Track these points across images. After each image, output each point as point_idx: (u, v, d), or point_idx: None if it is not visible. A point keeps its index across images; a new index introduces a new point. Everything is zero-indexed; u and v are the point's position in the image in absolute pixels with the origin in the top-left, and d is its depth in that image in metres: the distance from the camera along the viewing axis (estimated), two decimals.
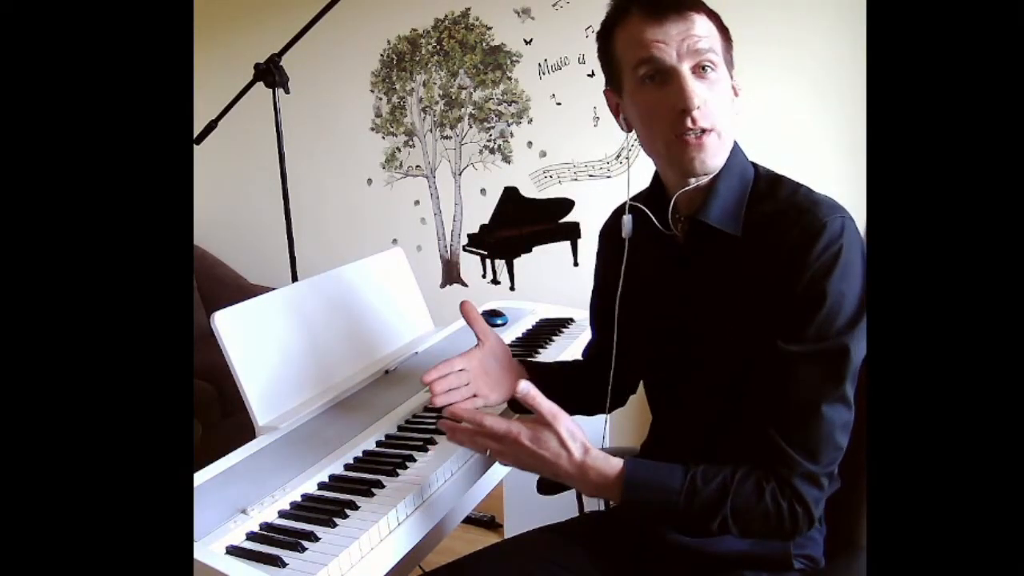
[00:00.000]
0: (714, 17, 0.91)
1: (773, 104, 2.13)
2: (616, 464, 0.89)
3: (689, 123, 0.87)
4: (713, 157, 0.90)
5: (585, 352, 1.26)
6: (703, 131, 0.87)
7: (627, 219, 1.00)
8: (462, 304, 1.11)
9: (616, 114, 0.98)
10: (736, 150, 0.95)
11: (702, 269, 0.95)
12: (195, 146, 1.64)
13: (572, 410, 1.08)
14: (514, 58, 2.48)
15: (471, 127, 2.59)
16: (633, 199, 1.02)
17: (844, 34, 2.03)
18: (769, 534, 0.87)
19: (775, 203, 0.91)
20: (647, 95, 0.90)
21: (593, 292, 1.20)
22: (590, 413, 1.16)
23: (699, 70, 0.87)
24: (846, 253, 0.84)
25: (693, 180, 0.92)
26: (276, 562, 0.87)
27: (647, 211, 0.98)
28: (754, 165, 0.97)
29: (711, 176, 0.92)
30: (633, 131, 0.97)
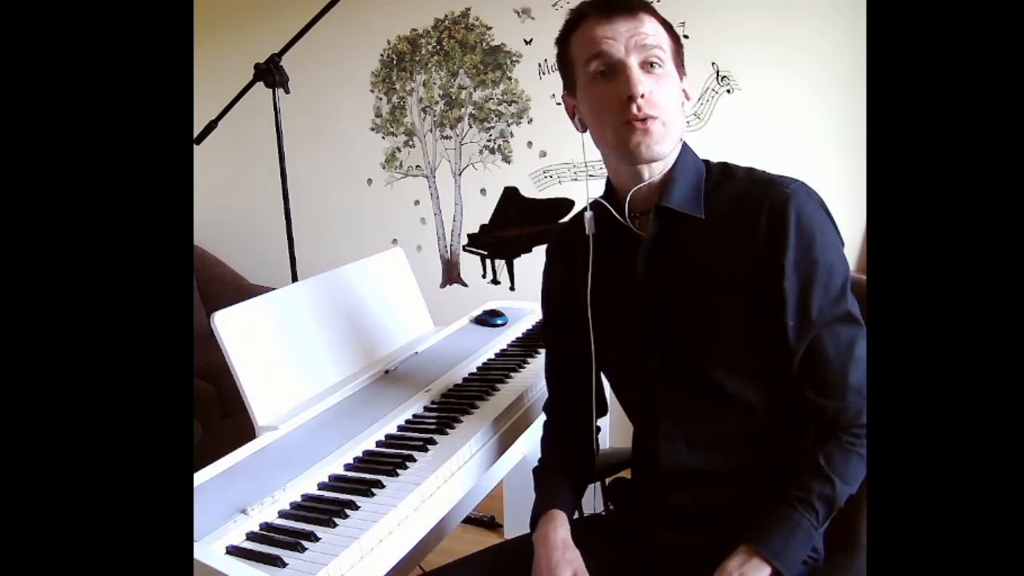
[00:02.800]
0: (664, 22, 0.97)
1: (773, 103, 2.13)
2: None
3: (635, 110, 0.92)
4: (658, 143, 0.94)
5: (547, 406, 1.19)
6: (649, 117, 0.92)
7: (589, 215, 1.03)
8: None
9: (572, 115, 1.03)
10: (686, 148, 1.00)
11: (672, 257, 0.97)
12: (195, 146, 1.64)
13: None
14: (514, 58, 2.47)
15: (471, 127, 2.59)
16: (591, 204, 1.05)
17: (844, 33, 2.03)
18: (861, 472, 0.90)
19: (733, 183, 0.97)
20: (598, 88, 0.95)
21: (547, 317, 1.18)
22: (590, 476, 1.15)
23: (646, 65, 0.93)
24: (815, 217, 0.91)
25: (645, 173, 0.97)
26: (276, 562, 0.87)
27: (609, 207, 1.01)
28: (704, 160, 1.02)
29: (661, 167, 0.97)
30: (587, 132, 1.01)
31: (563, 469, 1.11)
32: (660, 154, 0.95)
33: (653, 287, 0.99)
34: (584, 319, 1.05)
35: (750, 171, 0.98)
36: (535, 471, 1.13)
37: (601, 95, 0.95)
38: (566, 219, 1.15)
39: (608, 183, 1.05)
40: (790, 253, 0.89)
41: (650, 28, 0.93)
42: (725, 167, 1.00)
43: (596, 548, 1.05)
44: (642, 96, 0.91)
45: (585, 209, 1.05)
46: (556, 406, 1.17)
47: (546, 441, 1.17)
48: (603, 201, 1.03)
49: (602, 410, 1.12)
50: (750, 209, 0.92)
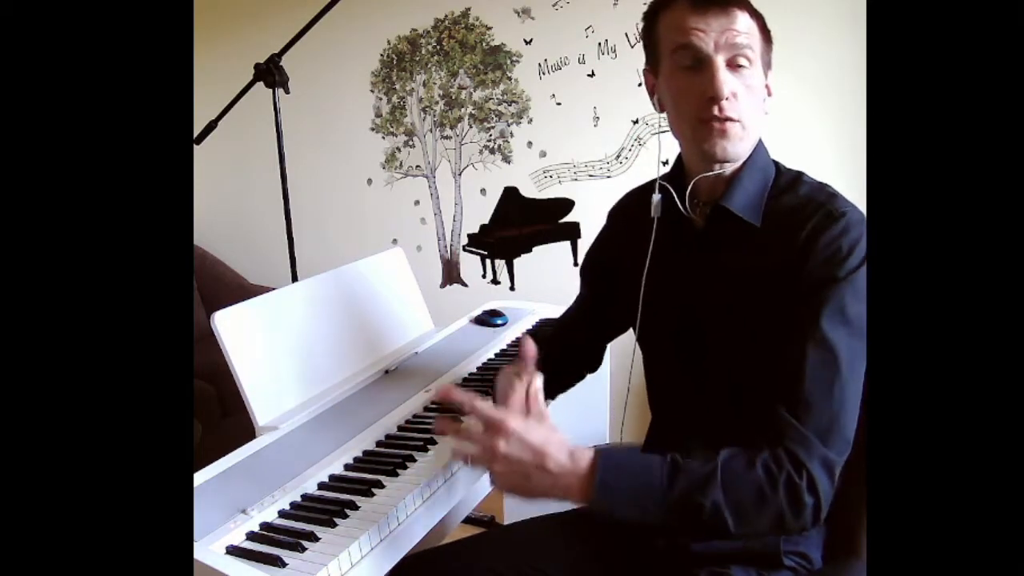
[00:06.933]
0: (757, 17, 0.93)
1: (773, 103, 2.12)
2: (589, 450, 0.84)
3: (716, 111, 0.89)
4: (735, 145, 0.92)
5: (571, 311, 1.27)
6: (728, 119, 0.90)
7: (656, 198, 1.02)
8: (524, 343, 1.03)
9: (651, 93, 1.01)
10: (760, 147, 0.98)
11: (719, 254, 0.96)
12: (195, 146, 1.64)
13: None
14: (514, 58, 2.47)
15: (471, 127, 2.59)
16: (652, 182, 1.04)
17: (844, 34, 2.03)
18: (767, 514, 0.80)
19: (795, 197, 0.94)
20: (681, 80, 0.93)
21: (588, 256, 1.22)
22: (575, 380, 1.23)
23: (734, 63, 0.90)
24: (858, 250, 0.86)
25: (716, 166, 0.94)
26: (276, 562, 0.87)
27: (672, 191, 1.00)
28: (775, 163, 1.00)
29: (733, 165, 0.95)
30: (664, 113, 1.00)
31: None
32: (736, 157, 0.93)
33: (694, 273, 0.99)
34: (632, 296, 1.05)
35: (820, 187, 0.94)
36: None
37: (684, 88, 0.92)
38: (634, 188, 1.14)
39: (679, 159, 1.03)
40: (807, 268, 0.86)
41: (742, 25, 0.89)
42: (796, 177, 0.97)
43: (593, 537, 1.05)
44: (726, 98, 0.89)
45: (635, 194, 1.05)
46: (576, 311, 1.26)
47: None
48: (668, 186, 1.00)
49: (594, 365, 1.24)
50: (798, 222, 0.90)
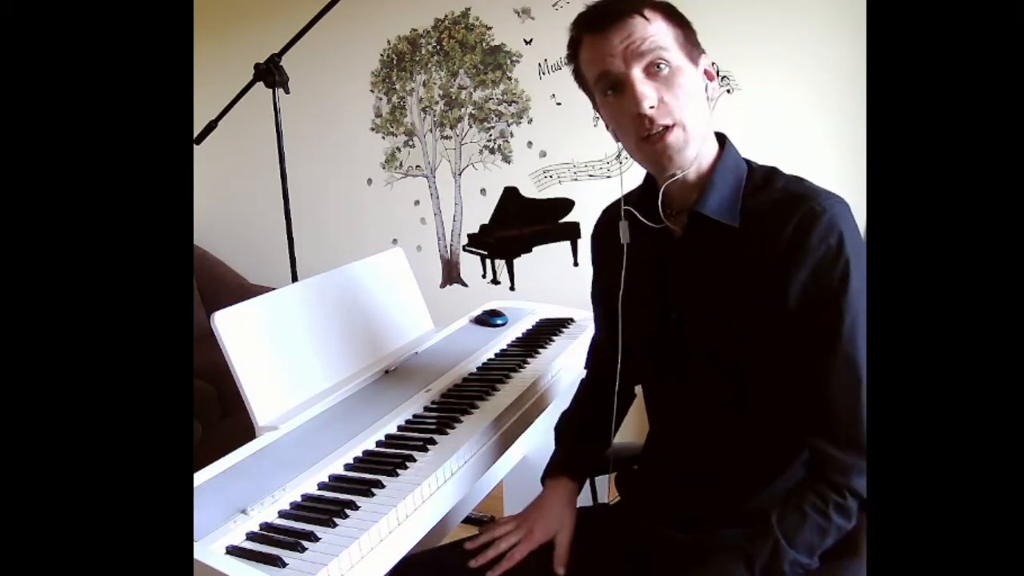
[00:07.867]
0: (660, 11, 0.91)
1: (773, 103, 2.13)
2: None
3: (647, 124, 0.89)
4: (680, 152, 0.91)
5: (590, 351, 1.27)
6: (665, 128, 0.89)
7: (623, 225, 1.02)
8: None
9: (608, 128, 1.01)
10: (729, 147, 0.97)
11: (701, 259, 0.96)
12: (195, 146, 1.64)
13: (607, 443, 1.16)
14: (514, 58, 2.47)
15: (471, 127, 2.59)
16: (627, 196, 1.04)
17: (844, 34, 2.03)
18: (830, 536, 0.86)
19: (771, 193, 0.93)
20: (612, 107, 0.93)
21: (593, 290, 1.21)
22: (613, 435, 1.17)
23: (651, 69, 0.89)
24: (848, 242, 0.86)
25: (678, 172, 0.94)
26: (276, 562, 0.87)
27: (637, 214, 1.00)
28: (747, 161, 0.99)
29: (694, 168, 0.94)
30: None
31: (583, 425, 1.18)
32: (686, 161, 0.92)
33: (679, 282, 0.98)
34: (613, 313, 1.05)
35: (796, 180, 0.94)
36: (559, 421, 1.21)
37: (615, 113, 0.93)
38: (609, 204, 1.14)
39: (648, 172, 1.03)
40: (802, 272, 0.86)
41: (644, 30, 0.88)
42: (770, 174, 0.96)
43: (600, 538, 1.06)
44: (652, 108, 0.88)
45: (612, 211, 1.04)
46: (599, 347, 1.24)
47: (579, 391, 1.25)
48: (632, 209, 1.00)
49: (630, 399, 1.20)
50: (780, 218, 0.88)
